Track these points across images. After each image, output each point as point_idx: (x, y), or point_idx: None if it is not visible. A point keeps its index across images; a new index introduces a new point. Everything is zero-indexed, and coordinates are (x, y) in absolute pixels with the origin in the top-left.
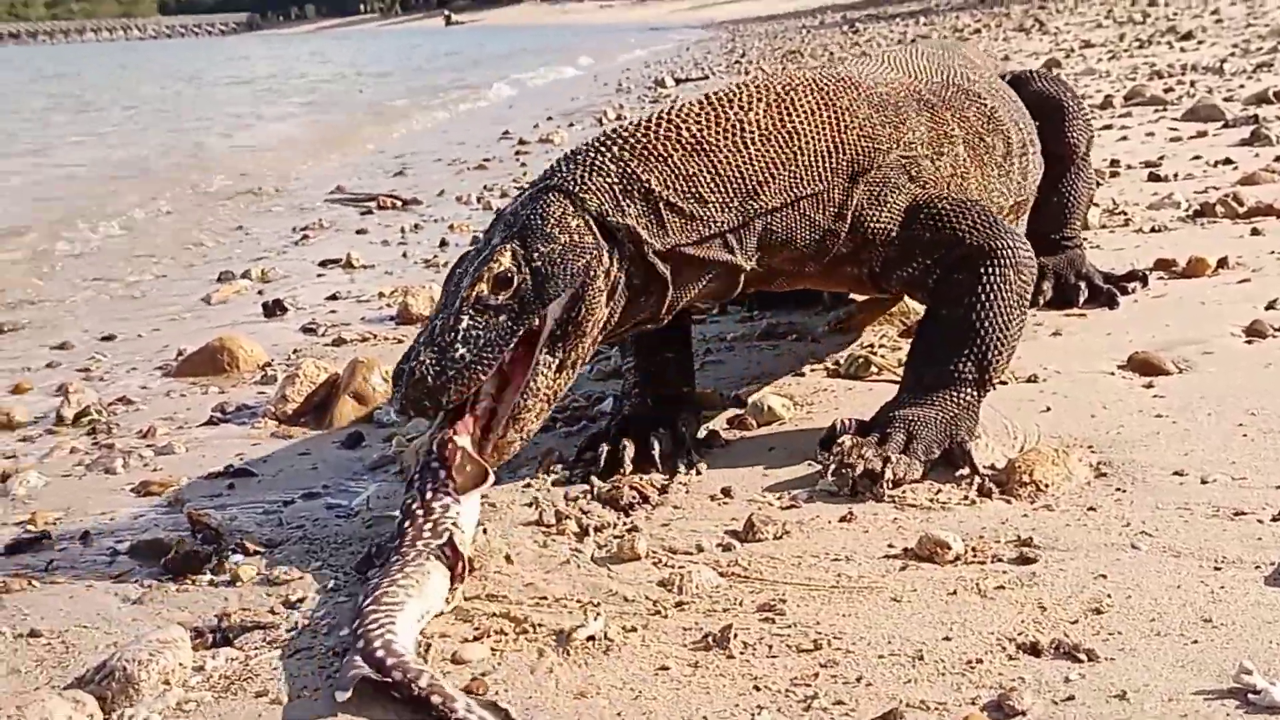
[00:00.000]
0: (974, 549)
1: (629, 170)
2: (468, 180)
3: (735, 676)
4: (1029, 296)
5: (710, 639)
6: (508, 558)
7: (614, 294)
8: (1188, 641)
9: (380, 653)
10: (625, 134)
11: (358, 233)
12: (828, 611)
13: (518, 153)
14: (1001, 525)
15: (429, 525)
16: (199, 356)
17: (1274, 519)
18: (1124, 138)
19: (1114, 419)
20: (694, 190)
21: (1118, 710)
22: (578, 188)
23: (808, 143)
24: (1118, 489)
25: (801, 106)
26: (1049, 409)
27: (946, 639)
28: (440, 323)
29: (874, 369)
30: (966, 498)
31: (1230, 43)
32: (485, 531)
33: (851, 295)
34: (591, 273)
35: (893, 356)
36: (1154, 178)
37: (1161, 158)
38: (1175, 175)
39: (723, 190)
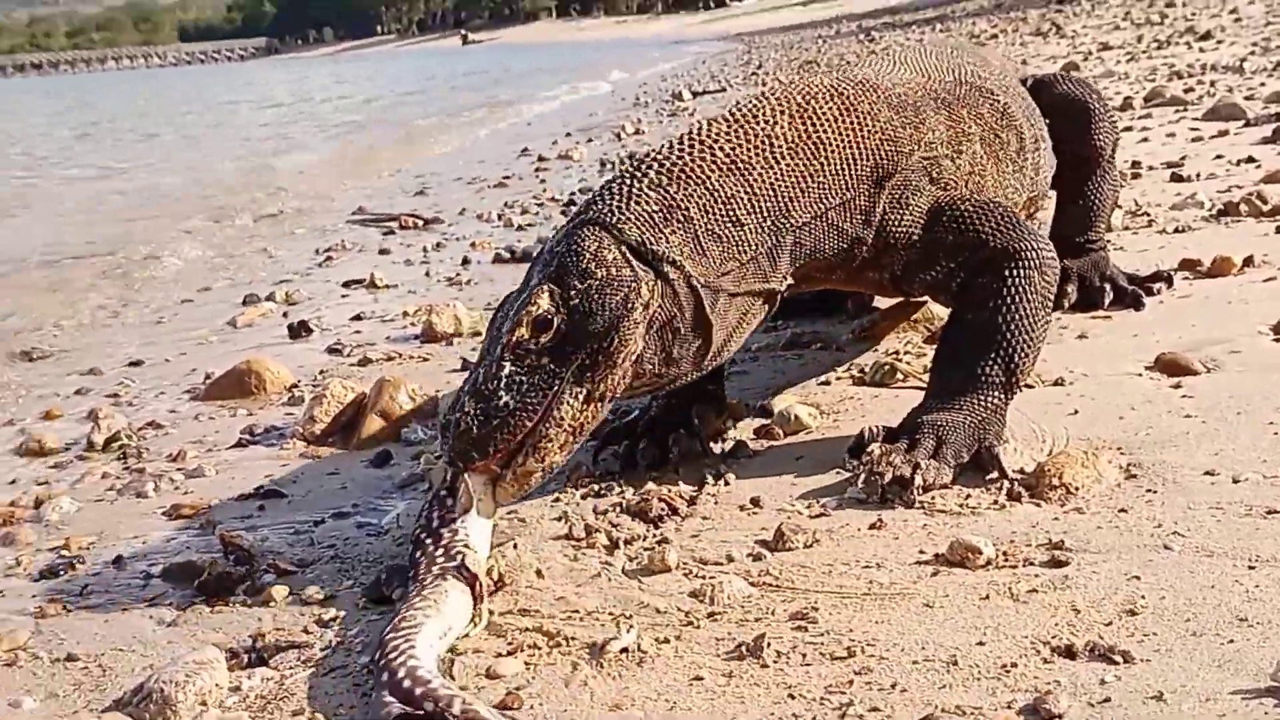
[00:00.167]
0: (1005, 553)
1: (668, 195)
2: (488, 198)
3: (769, 685)
4: (1053, 298)
5: (743, 648)
6: (539, 572)
7: (651, 328)
8: (1224, 641)
9: (406, 682)
10: (659, 158)
11: (380, 253)
12: (860, 619)
13: (537, 169)
14: (1032, 529)
15: (440, 551)
16: (226, 379)
17: None
18: (1145, 139)
19: (1143, 420)
20: (731, 212)
21: (1155, 711)
22: (615, 218)
23: (834, 152)
24: (1148, 490)
25: (825, 115)
26: (1077, 412)
27: (980, 644)
28: (483, 371)
29: (900, 375)
30: (996, 502)
31: (1250, 41)
32: (516, 547)
33: (875, 303)
34: (630, 304)
35: (918, 363)
36: (1176, 178)
37: (1183, 158)
38: (1198, 175)
39: (758, 210)
